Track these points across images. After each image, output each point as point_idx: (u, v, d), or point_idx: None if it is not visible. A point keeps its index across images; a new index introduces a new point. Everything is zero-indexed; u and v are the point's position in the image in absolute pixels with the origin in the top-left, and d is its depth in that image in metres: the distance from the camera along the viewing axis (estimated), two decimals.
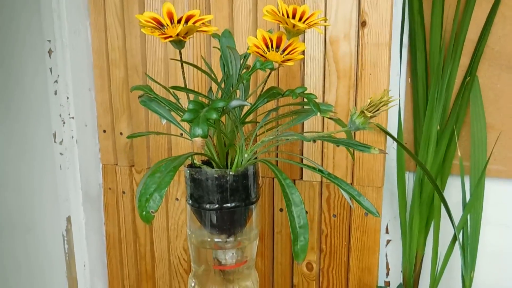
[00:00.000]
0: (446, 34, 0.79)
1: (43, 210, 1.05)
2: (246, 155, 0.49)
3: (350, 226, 0.77)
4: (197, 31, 0.40)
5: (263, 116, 0.50)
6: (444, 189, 0.83)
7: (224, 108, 0.42)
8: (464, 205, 0.76)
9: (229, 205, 0.49)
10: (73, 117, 0.87)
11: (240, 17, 0.75)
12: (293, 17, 0.45)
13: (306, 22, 0.43)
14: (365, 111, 0.38)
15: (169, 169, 0.39)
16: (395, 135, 0.81)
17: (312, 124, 0.74)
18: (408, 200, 0.84)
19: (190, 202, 0.51)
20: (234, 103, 0.41)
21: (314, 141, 0.68)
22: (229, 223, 0.50)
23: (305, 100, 0.44)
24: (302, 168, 0.77)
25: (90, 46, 0.89)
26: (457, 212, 0.80)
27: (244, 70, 0.48)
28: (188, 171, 0.50)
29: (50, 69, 0.91)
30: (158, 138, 0.86)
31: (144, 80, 0.85)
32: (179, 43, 0.40)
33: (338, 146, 0.70)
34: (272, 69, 0.41)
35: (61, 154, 0.93)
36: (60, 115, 0.89)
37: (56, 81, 0.90)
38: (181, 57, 0.43)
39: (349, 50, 0.71)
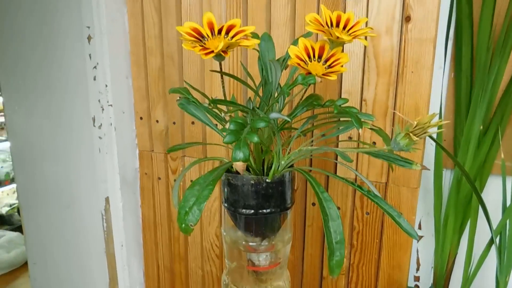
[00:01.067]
0: (497, 27, 0.74)
1: (82, 189, 1.10)
2: (282, 162, 0.49)
3: (382, 224, 0.76)
4: (240, 45, 0.39)
5: (299, 122, 0.50)
6: (483, 189, 0.80)
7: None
8: (504, 208, 0.74)
9: (264, 211, 0.50)
10: (111, 105, 0.89)
11: (278, 11, 0.73)
12: (337, 25, 0.43)
13: (350, 33, 0.42)
14: (410, 134, 0.36)
15: (207, 183, 0.40)
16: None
17: None
18: (443, 197, 0.83)
19: (226, 205, 0.52)
20: (273, 115, 0.41)
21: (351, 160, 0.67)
22: (264, 228, 0.51)
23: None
24: (336, 164, 0.77)
25: (127, 34, 0.89)
26: (495, 213, 0.78)
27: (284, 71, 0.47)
28: (224, 175, 0.51)
29: (90, 55, 0.93)
30: (193, 128, 0.87)
31: (179, 69, 0.85)
32: (219, 56, 0.40)
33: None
34: (314, 83, 0.40)
35: (100, 138, 0.96)
36: (99, 101, 0.92)
37: (95, 67, 0.92)
38: (221, 69, 0.43)
39: (390, 45, 0.68)
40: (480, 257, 0.76)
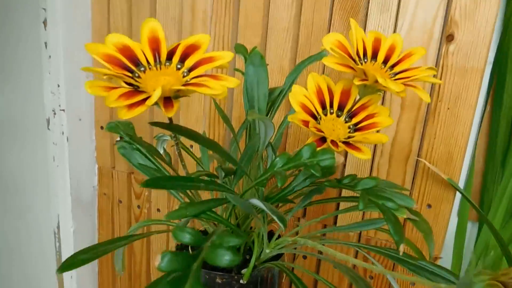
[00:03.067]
0: None
1: (37, 200, 0.93)
2: (267, 251, 0.33)
3: None
4: (197, 92, 0.22)
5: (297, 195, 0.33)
6: None
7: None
8: None
9: None
10: (63, 109, 0.72)
11: (279, 11, 0.56)
12: (373, 57, 0.27)
13: (398, 74, 0.25)
14: (499, 284, 0.20)
15: None
16: (462, 176, 0.63)
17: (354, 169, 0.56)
18: (465, 258, 0.67)
19: None
20: (253, 202, 0.24)
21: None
22: None
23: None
24: (336, 217, 0.60)
25: (89, 23, 0.72)
26: None
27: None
28: None
29: (45, 44, 0.75)
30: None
31: None
32: (170, 111, 0.23)
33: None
34: (330, 167, 0.24)
35: (54, 144, 0.79)
36: (52, 103, 0.74)
37: (50, 57, 0.74)
38: (170, 120, 0.26)
39: None
40: None
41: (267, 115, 0.36)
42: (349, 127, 0.27)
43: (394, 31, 0.51)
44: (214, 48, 0.60)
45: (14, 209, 0.99)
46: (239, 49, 0.37)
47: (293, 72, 0.29)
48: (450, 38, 0.50)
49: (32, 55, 0.81)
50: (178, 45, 0.25)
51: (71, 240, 0.81)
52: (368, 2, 0.52)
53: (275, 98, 0.33)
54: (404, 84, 0.25)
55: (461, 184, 0.60)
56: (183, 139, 0.56)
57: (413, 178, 0.55)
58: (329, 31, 0.55)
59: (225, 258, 0.16)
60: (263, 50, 0.58)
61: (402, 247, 0.24)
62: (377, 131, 0.26)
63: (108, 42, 0.24)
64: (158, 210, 0.73)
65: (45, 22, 0.74)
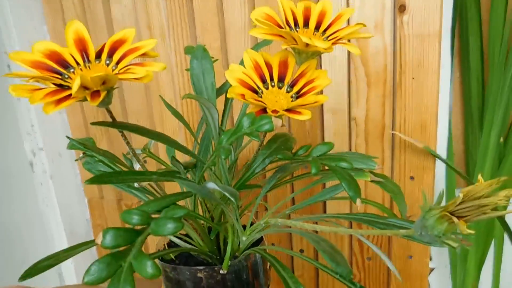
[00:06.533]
0: None
1: (37, 243, 0.92)
2: (244, 239, 0.32)
3: (389, 270, 0.60)
4: (121, 79, 0.23)
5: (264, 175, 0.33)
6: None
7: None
8: None
9: None
10: (42, 148, 0.72)
11: (233, 13, 0.57)
12: (305, 25, 0.27)
13: (329, 35, 0.26)
14: (452, 216, 0.20)
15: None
16: (443, 145, 0.63)
17: None
18: None
19: None
20: (210, 186, 0.24)
21: None
22: None
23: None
24: (325, 202, 0.60)
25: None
26: None
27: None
28: (160, 265, 0.34)
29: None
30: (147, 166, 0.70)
31: (120, 95, 0.68)
32: (99, 102, 0.23)
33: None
34: (270, 131, 0.24)
35: (41, 184, 0.78)
36: (30, 144, 0.74)
37: (19, 99, 0.74)
38: (113, 118, 0.26)
39: (382, 45, 0.52)
40: None
41: (223, 112, 0.36)
42: (291, 96, 0.27)
43: (347, 6, 0.51)
44: (176, 60, 0.61)
45: (15, 260, 0.98)
46: (188, 50, 0.38)
47: (240, 62, 0.29)
48: (402, 8, 0.50)
49: (4, 100, 0.81)
50: (105, 43, 0.25)
51: (74, 276, 0.80)
52: None
53: (227, 90, 0.34)
54: (334, 43, 0.25)
55: (443, 153, 0.60)
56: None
57: (392, 153, 0.55)
58: None
59: (168, 227, 0.16)
60: (224, 53, 0.58)
61: (358, 201, 0.23)
62: (319, 94, 0.26)
63: (35, 50, 0.24)
64: None
65: (9, 66, 0.75)
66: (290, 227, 0.27)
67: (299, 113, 0.24)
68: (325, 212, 0.59)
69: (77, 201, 0.78)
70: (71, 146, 0.34)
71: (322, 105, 0.57)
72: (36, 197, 0.80)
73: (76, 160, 0.34)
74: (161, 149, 0.66)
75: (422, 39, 0.50)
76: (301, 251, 0.64)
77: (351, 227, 0.59)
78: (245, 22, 0.56)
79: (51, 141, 0.72)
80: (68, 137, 0.34)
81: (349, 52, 0.54)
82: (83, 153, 0.36)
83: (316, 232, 0.29)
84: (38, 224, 0.85)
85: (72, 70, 0.25)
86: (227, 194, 0.23)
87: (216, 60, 0.36)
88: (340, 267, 0.24)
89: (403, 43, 0.51)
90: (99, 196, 0.77)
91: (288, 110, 0.25)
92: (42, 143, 0.71)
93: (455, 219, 0.20)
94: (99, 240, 0.17)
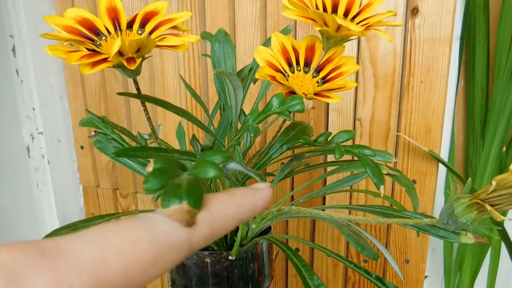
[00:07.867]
0: None
1: (25, 230, 0.90)
2: (253, 226, 0.32)
3: (384, 274, 0.60)
4: (158, 46, 0.22)
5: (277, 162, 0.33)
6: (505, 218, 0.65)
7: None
8: None
9: None
10: (41, 132, 0.71)
11: (244, 7, 0.57)
12: (334, 11, 0.27)
13: (360, 21, 0.26)
14: (484, 203, 0.19)
15: None
16: (444, 152, 0.63)
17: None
18: None
19: None
20: (231, 166, 0.24)
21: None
22: None
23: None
24: (325, 197, 0.60)
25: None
26: None
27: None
28: None
29: (17, 71, 0.74)
30: None
31: (124, 84, 0.67)
32: (124, 70, 0.23)
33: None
34: (301, 111, 0.24)
35: (36, 170, 0.77)
36: (29, 128, 0.73)
37: (22, 81, 0.73)
38: (138, 90, 0.26)
39: (392, 47, 0.52)
40: None
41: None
42: (317, 82, 0.27)
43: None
44: (184, 52, 0.60)
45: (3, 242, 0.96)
46: (205, 35, 0.37)
47: (259, 47, 0.29)
48: (415, 11, 0.51)
49: (6, 84, 0.80)
50: (137, 14, 0.25)
51: None
52: None
53: (245, 76, 0.33)
54: (367, 28, 0.25)
55: (443, 159, 0.61)
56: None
57: (395, 155, 0.55)
58: (296, 20, 0.55)
59: (210, 171, 0.16)
60: None
61: (382, 188, 0.23)
62: (346, 79, 0.26)
63: (67, 16, 0.24)
64: None
65: (13, 49, 0.74)
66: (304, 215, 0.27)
67: (328, 97, 0.24)
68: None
69: (73, 188, 0.77)
70: (84, 123, 0.34)
71: (327, 104, 0.57)
72: (30, 181, 0.79)
73: (89, 137, 0.34)
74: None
75: (433, 43, 0.50)
76: (297, 249, 0.63)
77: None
78: (256, 15, 0.56)
79: (51, 126, 0.71)
80: (87, 110, 0.34)
81: (358, 52, 0.54)
82: (95, 131, 0.35)
83: (349, 222, 0.28)
84: (31, 210, 0.83)
85: (104, 37, 0.24)
86: (252, 175, 0.23)
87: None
88: (365, 250, 0.24)
89: (414, 46, 0.51)
90: (94, 185, 0.76)
91: (316, 94, 0.25)
92: (42, 127, 0.70)
93: (487, 206, 0.20)
94: (150, 168, 0.16)
